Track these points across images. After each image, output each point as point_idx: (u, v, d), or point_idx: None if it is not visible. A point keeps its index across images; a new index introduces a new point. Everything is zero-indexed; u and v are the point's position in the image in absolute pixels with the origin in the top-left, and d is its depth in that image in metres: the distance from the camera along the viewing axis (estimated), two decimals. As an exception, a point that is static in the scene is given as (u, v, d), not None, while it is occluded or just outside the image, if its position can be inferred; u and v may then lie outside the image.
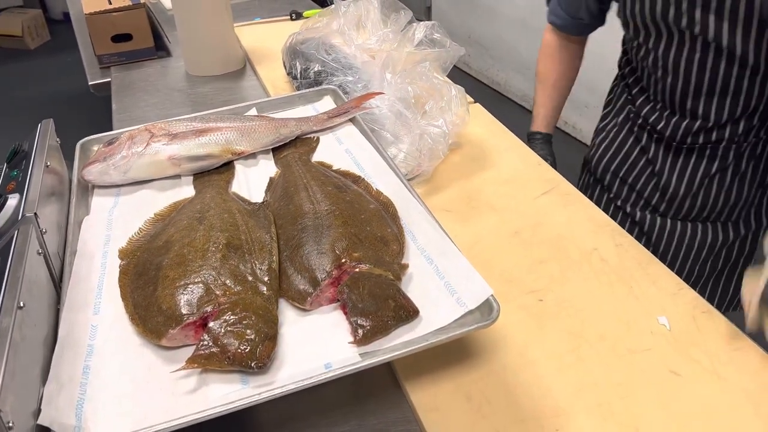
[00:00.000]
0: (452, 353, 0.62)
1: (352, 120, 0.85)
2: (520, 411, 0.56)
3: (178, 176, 0.78)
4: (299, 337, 0.55)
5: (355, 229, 0.63)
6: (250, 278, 0.58)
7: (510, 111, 2.68)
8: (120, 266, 0.63)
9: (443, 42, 1.08)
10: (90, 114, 1.94)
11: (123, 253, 0.65)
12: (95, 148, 0.83)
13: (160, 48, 1.43)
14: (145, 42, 1.37)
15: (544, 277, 0.71)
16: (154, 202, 0.74)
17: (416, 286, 0.59)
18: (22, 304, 0.48)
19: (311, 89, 0.94)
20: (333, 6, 1.22)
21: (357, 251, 0.60)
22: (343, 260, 0.59)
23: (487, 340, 0.64)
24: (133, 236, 0.67)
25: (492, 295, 0.55)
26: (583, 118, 2.35)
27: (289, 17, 1.49)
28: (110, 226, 0.70)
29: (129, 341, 0.56)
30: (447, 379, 0.60)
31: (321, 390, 0.51)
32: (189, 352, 0.54)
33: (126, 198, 0.75)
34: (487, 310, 0.55)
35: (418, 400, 0.57)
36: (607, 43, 2.16)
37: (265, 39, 1.39)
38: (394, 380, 0.61)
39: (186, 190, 0.75)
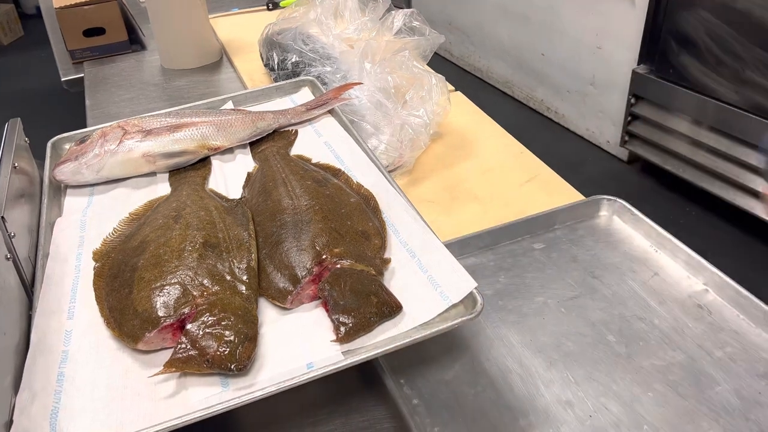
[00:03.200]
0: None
1: (331, 111, 0.83)
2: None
3: (153, 174, 0.76)
4: (280, 336, 0.54)
5: (336, 223, 0.62)
6: (228, 277, 0.57)
7: (492, 97, 2.66)
8: (94, 268, 0.61)
9: (422, 30, 1.07)
10: (63, 111, 1.89)
11: (97, 255, 0.63)
12: (67, 146, 0.81)
13: (134, 41, 1.40)
14: (118, 36, 1.34)
15: (529, 267, 0.70)
16: (128, 201, 0.72)
17: (399, 281, 0.58)
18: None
19: (289, 81, 0.92)
20: (310, -5, 1.19)
21: (338, 247, 0.59)
22: (324, 256, 0.58)
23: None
24: (107, 237, 0.65)
25: (476, 288, 0.54)
26: (566, 103, 2.35)
27: (266, 7, 1.46)
28: (84, 227, 0.68)
29: (105, 346, 0.54)
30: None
31: (304, 389, 0.50)
32: (167, 355, 0.53)
33: (100, 197, 0.73)
34: (470, 303, 0.54)
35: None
36: (584, 27, 2.16)
37: (242, 30, 1.37)
38: (378, 376, 0.60)
39: (161, 188, 0.73)
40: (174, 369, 0.50)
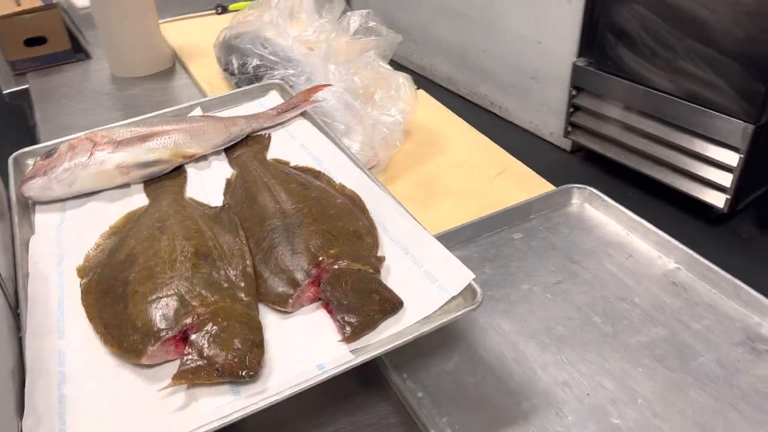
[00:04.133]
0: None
1: (303, 114, 0.83)
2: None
3: (127, 185, 0.74)
4: (284, 340, 0.54)
5: (327, 225, 0.62)
6: (225, 285, 0.56)
7: (437, 95, 2.70)
8: (81, 285, 0.59)
9: (379, 30, 1.08)
10: (3, 125, 1.80)
11: (81, 271, 0.61)
12: (30, 162, 0.78)
13: (77, 50, 1.35)
14: (61, 45, 1.29)
15: (511, 257, 0.72)
16: (105, 214, 0.70)
17: (395, 278, 0.59)
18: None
19: (256, 85, 0.91)
20: (264, -2, 1.19)
21: (332, 248, 0.59)
22: (320, 258, 0.58)
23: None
24: (89, 252, 0.64)
25: (473, 279, 0.55)
26: (509, 97, 2.41)
27: (214, 11, 1.44)
28: (61, 243, 0.66)
29: (102, 363, 0.53)
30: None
31: (305, 391, 0.50)
32: (169, 367, 0.52)
33: (73, 213, 0.70)
34: (470, 294, 0.55)
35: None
36: (524, 23, 2.22)
37: (192, 35, 1.34)
38: (379, 372, 0.61)
39: (138, 199, 0.72)
40: (183, 381, 0.49)
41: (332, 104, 0.89)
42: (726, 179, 1.75)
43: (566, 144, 2.25)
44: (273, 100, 0.89)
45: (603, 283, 0.68)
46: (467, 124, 1.00)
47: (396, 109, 0.86)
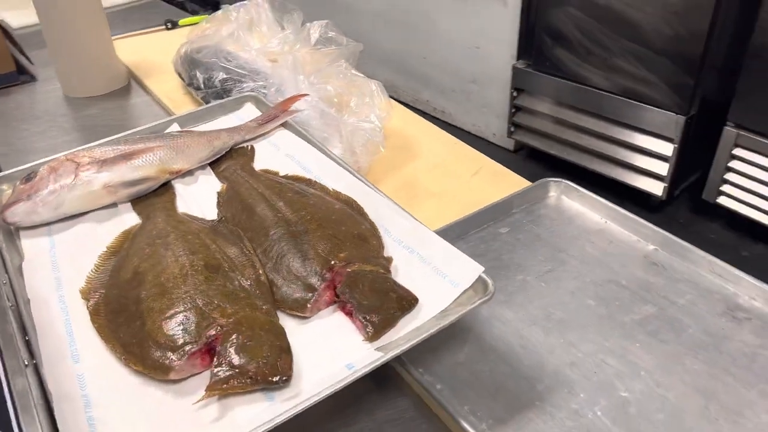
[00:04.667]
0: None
1: (284, 124, 0.84)
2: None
3: (114, 205, 0.73)
4: (307, 344, 0.55)
5: (332, 230, 0.63)
6: (242, 295, 0.57)
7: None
8: (88, 307, 0.58)
9: (339, 39, 1.10)
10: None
11: (85, 293, 0.60)
12: (5, 186, 0.76)
13: (21, 72, 1.30)
14: (5, 66, 1.24)
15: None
16: (95, 235, 0.68)
17: (405, 277, 0.61)
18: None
19: (230, 98, 0.91)
20: (220, 12, 1.18)
21: (342, 252, 0.60)
22: (333, 262, 0.59)
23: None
24: (90, 274, 0.62)
25: (483, 271, 0.58)
26: (451, 102, 2.47)
27: (164, 27, 1.42)
28: (57, 267, 0.64)
29: (126, 383, 0.52)
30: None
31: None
32: (195, 381, 0.53)
33: (62, 236, 0.69)
34: (481, 286, 0.58)
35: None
36: (461, 29, 2.29)
37: (144, 52, 1.32)
38: (391, 369, 0.62)
39: (128, 218, 0.71)
40: (217, 392, 0.49)
41: (308, 113, 0.90)
42: (663, 168, 1.86)
43: (509, 144, 2.33)
44: (249, 112, 0.90)
45: (590, 268, 0.72)
46: (435, 126, 1.03)
47: (374, 115, 0.88)
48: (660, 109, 1.79)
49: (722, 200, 1.80)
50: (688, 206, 1.99)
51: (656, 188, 1.91)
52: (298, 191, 0.70)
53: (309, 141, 0.80)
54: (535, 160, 2.24)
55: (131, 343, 0.53)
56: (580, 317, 0.66)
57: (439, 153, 0.95)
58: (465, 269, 0.59)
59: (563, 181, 0.83)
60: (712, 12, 1.59)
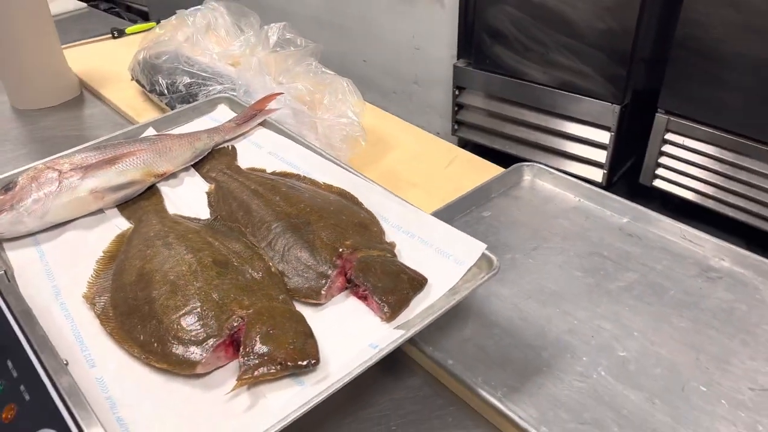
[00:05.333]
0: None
1: (262, 123, 0.84)
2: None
3: (100, 211, 0.71)
4: (326, 329, 0.56)
5: (333, 220, 0.64)
6: (256, 287, 0.57)
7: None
8: (96, 312, 0.57)
9: (296, 40, 1.11)
10: None
11: (90, 299, 0.59)
12: (-23, 199, 0.72)
13: (-41, 86, 1.24)
14: (-57, 81, 1.18)
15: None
16: (86, 242, 0.67)
17: (409, 260, 0.62)
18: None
19: (204, 100, 0.90)
20: (173, 18, 1.17)
21: (347, 239, 0.62)
22: (341, 249, 0.60)
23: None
24: (90, 279, 0.61)
25: (486, 248, 0.61)
26: (393, 104, 2.51)
27: (110, 36, 1.38)
28: (52, 276, 0.62)
29: (148, 381, 0.52)
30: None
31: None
32: (220, 374, 0.53)
33: (51, 245, 0.67)
34: (485, 263, 0.60)
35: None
36: (400, 31, 2.34)
37: (93, 61, 1.28)
38: (400, 351, 0.64)
39: (117, 223, 0.70)
40: (248, 380, 0.49)
41: (281, 113, 0.91)
42: (601, 156, 1.96)
43: (453, 141, 2.38)
44: (224, 113, 0.89)
45: (572, 243, 0.76)
46: (404, 121, 1.05)
47: (350, 111, 0.90)
48: (596, 100, 1.88)
49: (658, 183, 1.91)
50: (626, 190, 2.10)
51: (596, 175, 2.00)
52: (291, 186, 0.71)
53: (290, 137, 0.81)
54: (479, 156, 2.30)
55: (150, 342, 0.53)
56: (571, 288, 0.70)
57: (413, 146, 0.97)
58: (467, 248, 0.61)
59: (536, 164, 0.87)
60: (639, 7, 1.70)
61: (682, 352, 0.62)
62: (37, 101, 1.13)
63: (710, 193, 1.79)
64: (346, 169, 0.73)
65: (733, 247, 0.72)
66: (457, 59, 2.17)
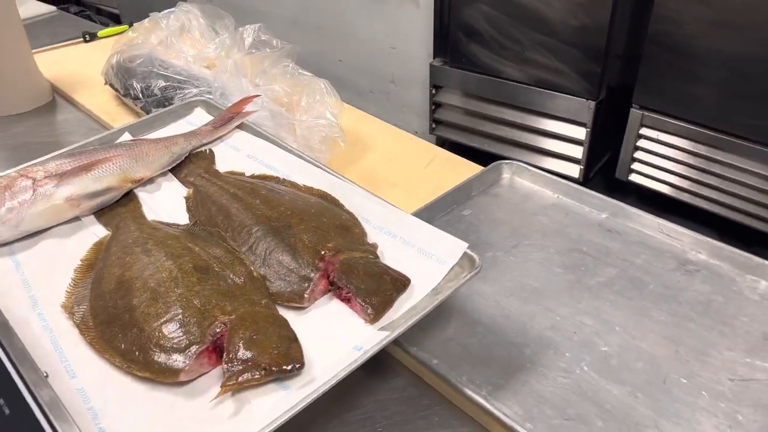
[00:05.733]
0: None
1: (240, 126, 0.84)
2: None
3: (77, 219, 0.70)
4: (309, 333, 0.55)
5: (315, 222, 0.64)
6: (238, 292, 0.57)
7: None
8: (75, 322, 0.56)
9: (271, 42, 1.11)
10: None
11: (68, 308, 0.58)
12: (-50, 209, 0.71)
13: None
14: None
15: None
16: (64, 251, 0.66)
17: (392, 261, 0.62)
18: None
19: (180, 104, 0.89)
20: (146, 20, 1.16)
21: (329, 242, 0.61)
22: (323, 252, 0.60)
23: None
24: (69, 288, 0.60)
25: (468, 248, 0.61)
26: (370, 103, 2.51)
27: (82, 39, 1.36)
28: (29, 286, 0.61)
29: (132, 390, 0.51)
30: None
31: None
32: (204, 381, 0.52)
33: (26, 255, 0.66)
34: (467, 262, 0.60)
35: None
36: (375, 31, 2.34)
37: (64, 65, 1.26)
38: (384, 352, 0.64)
39: (95, 230, 0.69)
40: (232, 386, 0.49)
41: (258, 115, 0.90)
42: (578, 152, 1.98)
43: (431, 140, 2.39)
44: (200, 116, 0.88)
45: (552, 240, 0.77)
46: (382, 121, 1.05)
47: (328, 112, 0.89)
48: (572, 96, 1.90)
49: (633, 177, 1.93)
50: (602, 185, 2.12)
51: (573, 171, 2.02)
52: (270, 189, 0.70)
53: (269, 140, 0.80)
54: (457, 154, 2.31)
55: (131, 351, 0.52)
56: (552, 284, 0.70)
57: (392, 146, 0.97)
58: (449, 247, 0.61)
59: (515, 162, 0.88)
60: (612, 3, 1.71)
61: (663, 345, 0.63)
62: (7, 107, 1.11)
63: (685, 186, 1.82)
64: (326, 171, 0.73)
65: (710, 240, 0.73)
66: (433, 58, 2.17)
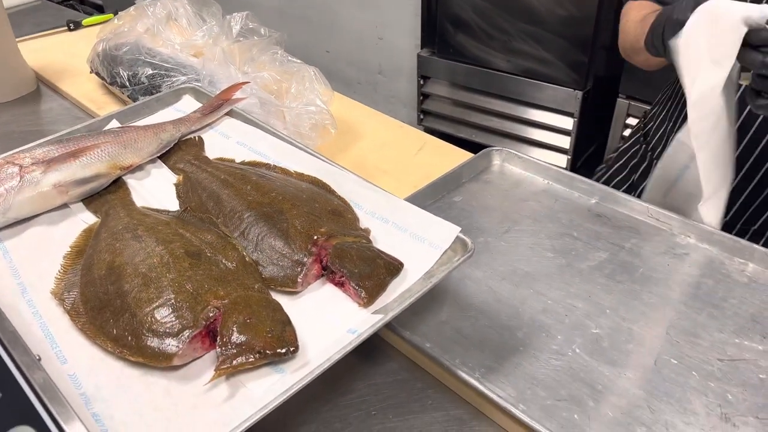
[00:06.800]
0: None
1: (229, 113, 0.83)
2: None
3: (65, 206, 0.69)
4: (303, 317, 0.55)
5: (307, 208, 0.64)
6: (231, 277, 0.56)
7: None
8: (66, 308, 0.56)
9: (259, 30, 1.10)
10: None
11: (58, 295, 0.57)
12: (-66, 197, 0.70)
13: None
14: None
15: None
16: (53, 238, 0.65)
17: (385, 245, 0.62)
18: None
19: (168, 91, 0.88)
20: (132, 8, 1.14)
21: (322, 227, 0.61)
22: (315, 237, 0.60)
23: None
24: (58, 275, 0.59)
25: (460, 231, 0.61)
26: (358, 94, 2.50)
27: (66, 28, 1.34)
28: (17, 273, 0.61)
29: (126, 376, 0.51)
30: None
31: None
32: (198, 365, 0.52)
33: (15, 242, 0.65)
34: (460, 245, 0.60)
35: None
36: (363, 21, 2.33)
37: (49, 54, 1.25)
38: (377, 337, 0.64)
39: (84, 217, 0.68)
40: (227, 370, 0.49)
41: (248, 102, 0.90)
42: (565, 142, 1.99)
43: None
44: (189, 103, 0.88)
45: (543, 225, 0.77)
46: (371, 108, 1.05)
47: (318, 99, 0.89)
48: (559, 86, 1.91)
49: (620, 167, 1.95)
50: (590, 175, 2.14)
51: (560, 161, 2.03)
52: (261, 175, 0.70)
53: (259, 127, 0.80)
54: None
55: (124, 336, 0.52)
56: (543, 269, 0.71)
57: (382, 133, 0.97)
58: (442, 231, 0.61)
59: (504, 149, 0.88)
60: (599, -7, 1.72)
61: (652, 327, 0.63)
62: (-9, 97, 1.09)
63: (671, 175, 1.83)
64: (317, 157, 0.73)
65: (699, 224, 0.74)
66: (421, 48, 2.17)
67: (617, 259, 0.72)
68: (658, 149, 1.00)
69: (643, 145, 1.07)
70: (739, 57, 0.65)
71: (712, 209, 0.74)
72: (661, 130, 1.01)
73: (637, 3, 0.94)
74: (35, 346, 0.52)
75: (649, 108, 1.11)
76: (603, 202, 0.80)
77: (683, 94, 0.79)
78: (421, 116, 2.29)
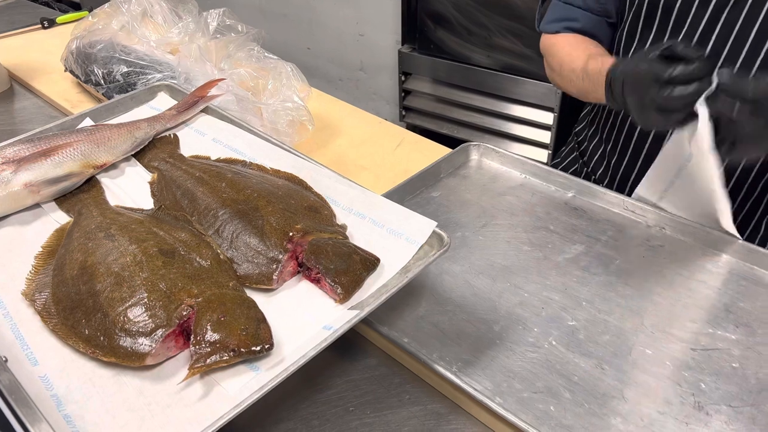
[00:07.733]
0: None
1: (204, 110, 0.82)
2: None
3: (36, 206, 0.68)
4: (279, 314, 0.55)
5: (282, 205, 0.63)
6: (205, 275, 0.56)
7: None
8: (37, 309, 0.55)
9: (236, 27, 1.09)
10: None
11: (29, 296, 0.56)
12: None
13: None
14: None
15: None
16: (24, 238, 0.64)
17: (361, 241, 0.62)
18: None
19: (143, 89, 0.88)
20: (106, 5, 1.13)
21: (297, 223, 0.61)
22: (291, 234, 0.60)
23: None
24: (29, 276, 0.59)
25: (437, 226, 0.61)
26: (340, 91, 2.49)
27: (39, 26, 1.32)
28: (-13, 275, 0.60)
29: (98, 376, 0.50)
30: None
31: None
32: (171, 365, 0.52)
33: (-16, 242, 0.64)
34: (437, 240, 0.60)
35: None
36: (343, 18, 2.32)
37: (22, 53, 1.23)
38: (354, 333, 0.64)
39: (56, 217, 0.67)
40: (201, 368, 0.48)
41: (224, 99, 0.89)
42: (546, 137, 2.00)
43: (402, 126, 2.39)
44: (164, 101, 0.87)
45: (519, 219, 0.77)
46: (350, 105, 1.05)
47: (296, 96, 0.88)
48: (539, 82, 1.92)
49: (600, 161, 1.96)
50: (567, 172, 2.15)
51: (541, 156, 2.04)
52: (236, 172, 0.69)
53: (235, 124, 0.79)
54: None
55: (96, 336, 0.51)
56: (520, 262, 0.71)
57: (361, 130, 0.97)
58: (418, 226, 0.61)
59: (482, 144, 0.88)
60: (577, -12, 1.73)
61: (628, 318, 0.64)
62: (-37, 96, 1.07)
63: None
64: (293, 153, 0.72)
65: (674, 216, 0.74)
66: (402, 45, 2.17)
67: (593, 252, 0.72)
68: (599, 172, 1.01)
69: (581, 160, 1.08)
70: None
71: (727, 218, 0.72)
72: (599, 153, 1.01)
73: (562, 38, 0.91)
74: (4, 348, 0.52)
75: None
76: (580, 195, 0.81)
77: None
78: (403, 112, 2.29)
